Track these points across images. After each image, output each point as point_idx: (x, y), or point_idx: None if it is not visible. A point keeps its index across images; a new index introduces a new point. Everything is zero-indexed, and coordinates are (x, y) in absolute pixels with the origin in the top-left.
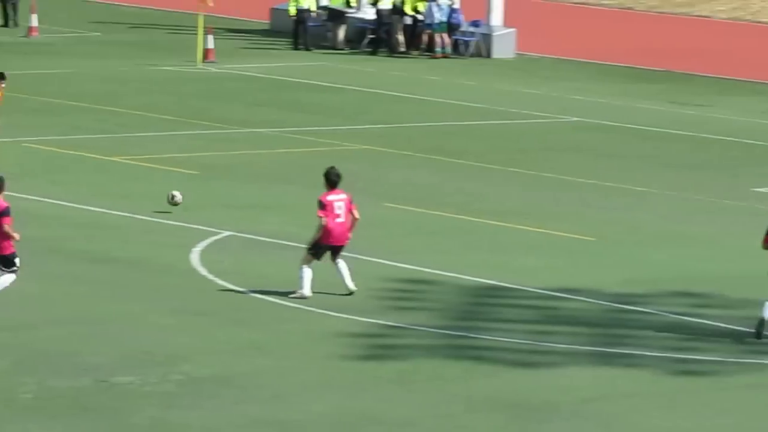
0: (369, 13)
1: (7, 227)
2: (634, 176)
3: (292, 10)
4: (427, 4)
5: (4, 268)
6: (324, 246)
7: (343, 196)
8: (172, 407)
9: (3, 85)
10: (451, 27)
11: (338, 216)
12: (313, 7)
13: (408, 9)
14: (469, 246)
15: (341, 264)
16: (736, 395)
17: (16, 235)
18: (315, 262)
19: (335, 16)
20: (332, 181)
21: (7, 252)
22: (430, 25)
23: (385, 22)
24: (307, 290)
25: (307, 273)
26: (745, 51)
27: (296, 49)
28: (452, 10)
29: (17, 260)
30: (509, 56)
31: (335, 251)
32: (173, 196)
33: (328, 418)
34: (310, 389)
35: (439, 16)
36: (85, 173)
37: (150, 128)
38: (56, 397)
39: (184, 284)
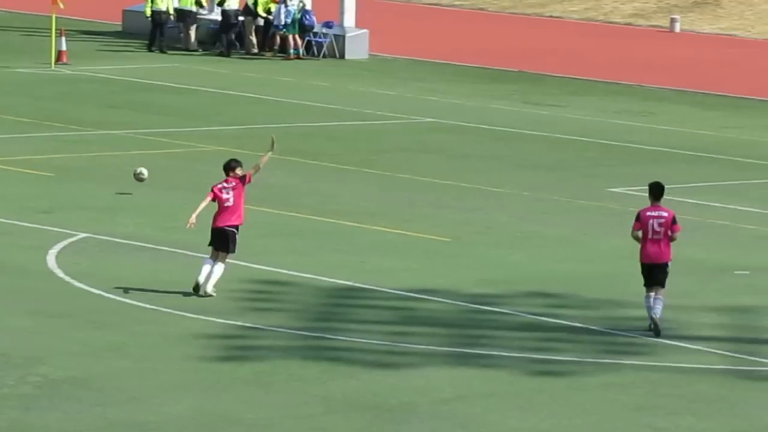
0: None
1: None
2: (490, 177)
3: (148, 11)
4: (276, 5)
5: None
6: (212, 231)
7: (232, 183)
8: (30, 409)
9: None
10: (303, 28)
11: (226, 200)
12: (171, 9)
13: (260, 10)
14: (326, 247)
15: (218, 265)
16: (593, 395)
17: None
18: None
19: (185, 16)
20: (224, 170)
21: None
22: (278, 27)
23: (232, 23)
24: (200, 277)
25: (205, 265)
26: (598, 51)
27: (150, 51)
28: (305, 12)
29: None
30: (362, 57)
31: (222, 240)
32: (139, 173)
33: (186, 420)
34: (168, 391)
35: (284, 18)
36: None
37: (4, 130)
38: None
39: (40, 286)
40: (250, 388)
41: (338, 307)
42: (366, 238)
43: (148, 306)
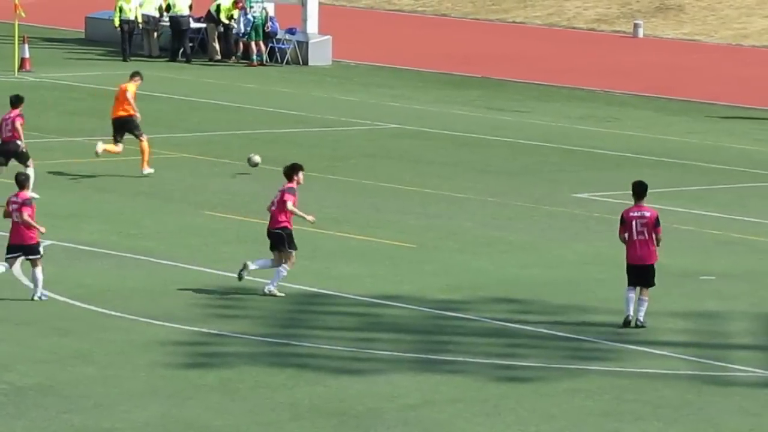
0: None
1: (27, 216)
2: (454, 183)
3: (117, 21)
4: (238, 12)
5: (27, 258)
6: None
7: (282, 187)
8: None
9: (138, 82)
10: (266, 35)
11: (272, 204)
12: (139, 17)
13: (223, 17)
14: None
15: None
16: (559, 400)
17: (42, 228)
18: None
19: (147, 22)
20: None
21: (32, 242)
22: (238, 34)
23: (182, 30)
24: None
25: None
26: (561, 57)
27: (125, 60)
28: (268, 18)
29: (41, 248)
30: (326, 63)
31: (273, 241)
32: (255, 163)
33: (152, 427)
34: (133, 398)
35: (244, 26)
36: None
37: None
38: None
39: (5, 294)
40: (217, 395)
41: (303, 313)
42: (330, 244)
43: (113, 313)
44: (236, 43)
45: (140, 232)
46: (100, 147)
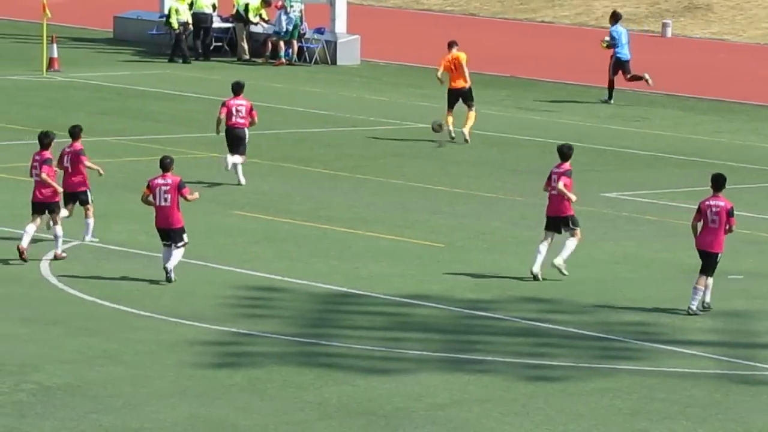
0: (217, 21)
1: (190, 196)
2: (483, 182)
3: (175, 24)
4: (278, 12)
5: (177, 246)
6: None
7: (560, 169)
8: (26, 416)
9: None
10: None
11: (552, 189)
12: (190, 19)
13: (251, 16)
14: (319, 253)
15: (570, 240)
16: (588, 400)
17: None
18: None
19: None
20: (563, 153)
21: (178, 226)
22: (279, 33)
23: (201, 27)
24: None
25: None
26: (590, 56)
27: (174, 61)
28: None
29: (185, 236)
30: (354, 63)
31: (555, 224)
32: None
33: (181, 427)
34: (162, 398)
35: (285, 25)
36: None
37: None
38: None
39: (34, 293)
40: (245, 395)
41: (332, 313)
42: (359, 244)
43: (142, 313)
44: (264, 42)
45: None
46: (446, 127)
